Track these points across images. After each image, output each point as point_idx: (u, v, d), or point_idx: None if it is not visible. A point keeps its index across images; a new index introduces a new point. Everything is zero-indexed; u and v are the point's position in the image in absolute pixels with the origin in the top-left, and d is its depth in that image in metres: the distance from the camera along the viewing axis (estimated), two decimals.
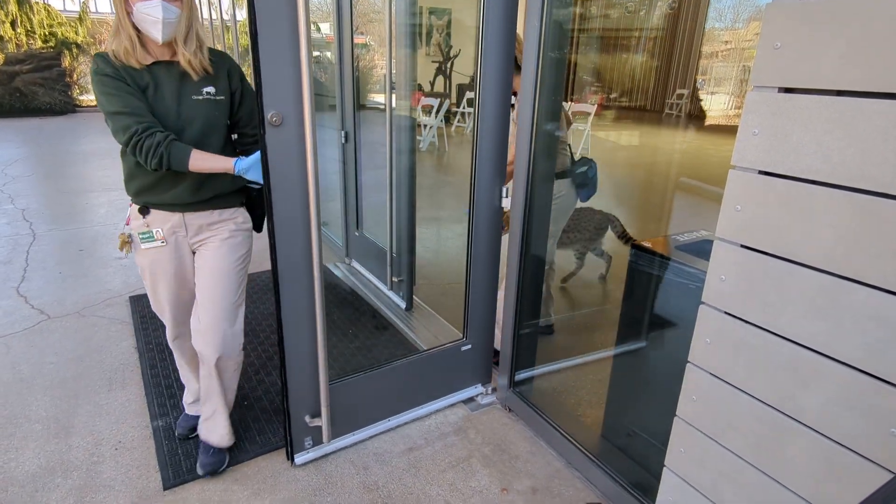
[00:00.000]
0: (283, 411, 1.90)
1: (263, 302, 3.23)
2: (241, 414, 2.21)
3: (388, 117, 2.87)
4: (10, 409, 2.23)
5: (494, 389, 2.38)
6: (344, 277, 3.59)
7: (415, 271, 3.10)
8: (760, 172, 1.09)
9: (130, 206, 1.73)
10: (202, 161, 1.58)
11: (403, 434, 2.13)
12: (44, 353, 2.65)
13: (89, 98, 14.45)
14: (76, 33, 13.32)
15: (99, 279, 3.51)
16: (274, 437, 2.08)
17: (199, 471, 1.88)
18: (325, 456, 2.00)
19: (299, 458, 1.98)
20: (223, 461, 1.92)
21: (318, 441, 2.01)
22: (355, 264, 3.70)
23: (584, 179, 2.34)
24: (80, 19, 13.50)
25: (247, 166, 1.61)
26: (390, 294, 3.18)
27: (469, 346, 2.33)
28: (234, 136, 1.81)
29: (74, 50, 13.18)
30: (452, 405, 2.33)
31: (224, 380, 1.87)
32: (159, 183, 1.66)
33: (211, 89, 1.65)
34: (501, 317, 2.24)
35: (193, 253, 1.81)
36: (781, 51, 1.03)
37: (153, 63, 1.58)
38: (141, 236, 1.71)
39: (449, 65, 9.86)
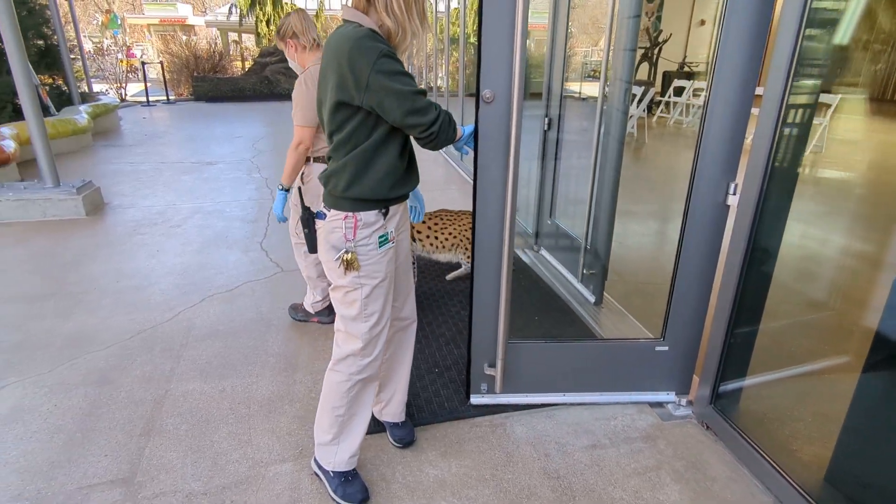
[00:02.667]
0: (467, 357, 2.14)
1: (455, 278, 3.40)
2: (432, 379, 2.37)
3: (599, 106, 2.78)
4: (254, 341, 2.69)
5: (691, 402, 2.20)
6: (531, 264, 3.61)
7: (608, 266, 2.98)
8: None
9: (347, 217, 1.51)
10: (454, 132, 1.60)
11: (585, 428, 2.08)
12: (278, 299, 3.14)
13: None
14: None
15: None
16: (461, 406, 2.19)
17: (396, 444, 1.98)
18: (504, 428, 2.05)
19: (475, 399, 2.22)
20: (413, 432, 2.01)
21: (491, 389, 2.21)
22: (544, 252, 3.70)
23: None
24: (317, 16, 15.53)
25: (468, 134, 1.71)
26: (579, 286, 3.11)
27: (665, 348, 2.18)
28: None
29: None
30: (637, 404, 2.22)
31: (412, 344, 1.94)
32: (408, 170, 1.59)
33: None
34: None
35: None
36: None
37: None
38: (379, 240, 1.56)
39: (656, 51, 9.20)
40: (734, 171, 1.88)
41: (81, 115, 7.84)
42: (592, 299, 2.98)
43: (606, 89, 2.74)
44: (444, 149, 2.43)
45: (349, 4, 1.46)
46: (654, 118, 8.98)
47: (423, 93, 1.44)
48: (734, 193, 1.87)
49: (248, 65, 16.54)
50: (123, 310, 2.99)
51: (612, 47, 2.66)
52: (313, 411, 2.17)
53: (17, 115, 6.75)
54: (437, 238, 3.06)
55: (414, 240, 3.07)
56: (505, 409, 2.18)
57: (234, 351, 2.60)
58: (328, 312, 2.85)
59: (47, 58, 8.52)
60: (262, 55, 14.67)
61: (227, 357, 2.55)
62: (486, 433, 2.06)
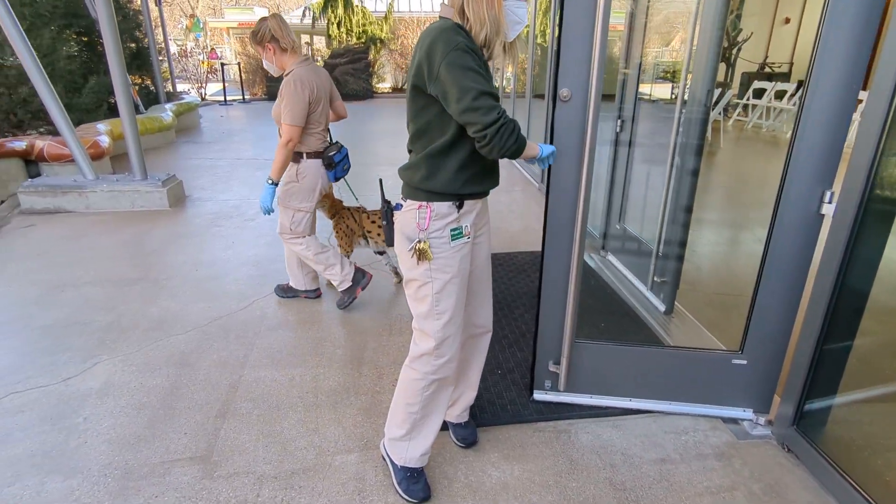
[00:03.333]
0: (532, 353, 2.18)
1: (519, 281, 3.37)
2: (495, 381, 2.36)
3: (678, 108, 2.68)
4: (322, 333, 2.77)
5: (770, 422, 2.07)
6: (597, 269, 3.52)
7: (681, 274, 2.86)
8: None
9: (422, 207, 1.54)
10: (529, 149, 1.53)
11: (654, 441, 2.01)
12: None
13: (383, 86, 16.93)
14: (381, 30, 15.67)
15: None
16: (524, 411, 2.16)
17: (458, 443, 1.98)
18: (569, 435, 2.01)
19: (538, 395, 2.24)
20: (476, 432, 2.02)
21: (555, 387, 2.21)
22: (611, 258, 3.60)
23: (330, 161, 2.78)
24: (386, 18, 15.82)
25: (547, 154, 1.61)
26: (649, 294, 3.01)
27: (743, 362, 2.07)
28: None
29: (378, 45, 15.54)
30: (709, 419, 2.12)
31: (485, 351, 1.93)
32: (484, 169, 1.57)
33: None
34: None
35: None
36: None
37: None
38: (453, 233, 1.56)
39: (735, 50, 8.77)
40: (830, 180, 1.76)
41: (167, 113, 8.36)
42: (662, 308, 2.87)
43: (686, 92, 2.64)
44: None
45: (445, 2, 1.49)
46: (731, 122, 8.55)
47: (493, 95, 1.39)
48: (830, 202, 1.75)
49: (318, 66, 17.08)
50: (202, 297, 3.16)
51: (694, 47, 2.56)
52: (378, 405, 2.21)
53: (111, 112, 7.28)
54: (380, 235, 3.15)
55: (365, 237, 3.18)
56: (569, 415, 2.14)
57: (303, 341, 2.69)
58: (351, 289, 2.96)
59: (138, 59, 9.14)
60: (333, 56, 15.10)
61: (296, 347, 2.64)
62: (550, 438, 2.03)
